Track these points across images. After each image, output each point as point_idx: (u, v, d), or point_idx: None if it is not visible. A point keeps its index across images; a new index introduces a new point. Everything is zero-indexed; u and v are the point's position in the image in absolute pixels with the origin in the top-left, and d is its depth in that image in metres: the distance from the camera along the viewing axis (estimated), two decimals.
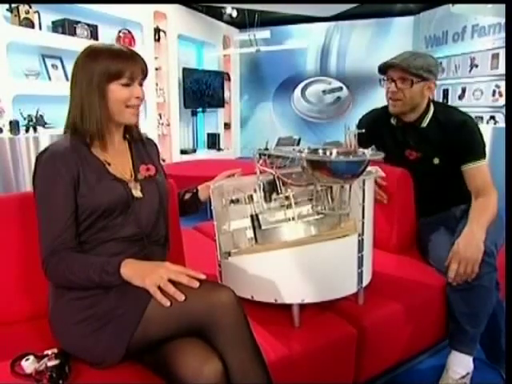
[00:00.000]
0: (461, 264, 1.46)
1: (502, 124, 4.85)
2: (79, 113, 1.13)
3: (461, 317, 1.52)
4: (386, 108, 1.87)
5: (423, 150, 1.76)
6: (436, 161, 1.74)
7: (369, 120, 1.93)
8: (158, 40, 5.54)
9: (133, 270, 1.03)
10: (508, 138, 1.44)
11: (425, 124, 1.76)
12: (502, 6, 4.74)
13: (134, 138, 1.27)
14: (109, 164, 1.17)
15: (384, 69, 1.75)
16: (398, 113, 1.77)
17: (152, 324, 1.01)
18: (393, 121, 1.85)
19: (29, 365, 1.00)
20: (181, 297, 0.99)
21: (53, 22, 4.15)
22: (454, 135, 1.68)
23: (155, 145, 1.38)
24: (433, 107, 1.77)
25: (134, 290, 1.03)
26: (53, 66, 4.17)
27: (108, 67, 1.10)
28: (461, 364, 1.53)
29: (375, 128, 1.85)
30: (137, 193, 1.18)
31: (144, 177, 1.22)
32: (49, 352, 1.04)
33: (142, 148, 1.30)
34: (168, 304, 0.99)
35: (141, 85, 1.17)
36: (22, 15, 3.67)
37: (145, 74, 1.17)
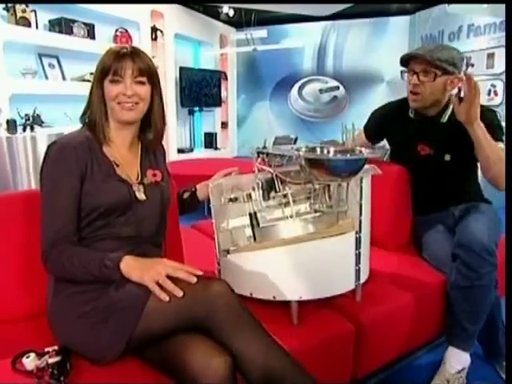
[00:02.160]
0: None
1: None
2: (87, 106, 1.19)
3: (461, 314, 1.52)
4: (404, 100, 1.81)
5: (436, 146, 1.71)
6: (447, 157, 1.70)
7: (381, 114, 1.91)
8: (155, 39, 5.53)
9: (131, 267, 1.05)
10: (508, 137, 1.45)
11: (445, 119, 1.72)
12: (498, 6, 4.77)
13: (147, 143, 1.28)
14: (117, 165, 1.18)
15: (407, 60, 1.69)
16: (418, 108, 1.73)
17: (153, 318, 1.02)
18: (411, 114, 1.80)
19: (30, 362, 1.01)
20: (179, 293, 1.00)
21: (49, 21, 4.13)
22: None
23: (164, 150, 1.40)
24: None
25: (134, 285, 1.04)
26: (50, 65, 4.16)
27: (101, 64, 1.15)
28: (458, 359, 1.55)
29: (388, 121, 1.83)
30: (140, 195, 1.19)
31: (150, 182, 1.24)
32: (49, 349, 1.04)
33: (152, 153, 1.31)
34: (167, 299, 1.00)
35: (140, 83, 1.16)
36: (19, 14, 3.65)
37: (140, 73, 1.15)
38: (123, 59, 1.14)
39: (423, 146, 1.76)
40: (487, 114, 1.62)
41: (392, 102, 1.94)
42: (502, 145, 1.62)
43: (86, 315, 1.06)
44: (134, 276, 1.04)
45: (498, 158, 1.53)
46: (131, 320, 1.02)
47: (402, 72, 1.75)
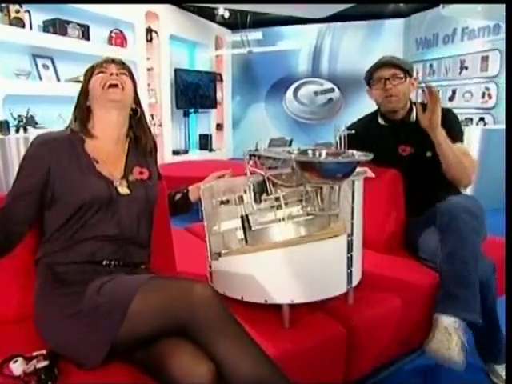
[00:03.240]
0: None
1: (491, 126, 4.91)
2: (74, 111, 1.28)
3: (449, 282, 1.49)
4: (372, 113, 1.94)
5: (416, 144, 1.80)
6: (428, 154, 1.76)
7: (357, 128, 1.91)
8: (150, 40, 5.53)
9: None
10: (508, 138, 1.45)
11: (413, 119, 1.81)
12: (492, 9, 4.79)
13: (138, 136, 1.33)
14: (97, 161, 1.21)
15: (375, 69, 1.81)
16: (394, 108, 1.82)
17: (137, 321, 1.00)
18: (382, 121, 1.89)
19: (17, 367, 0.99)
20: None
21: (44, 22, 4.12)
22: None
23: (155, 147, 1.41)
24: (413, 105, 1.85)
25: (117, 288, 1.04)
26: (44, 65, 4.15)
27: (90, 70, 1.28)
28: (447, 319, 1.47)
29: (364, 134, 1.83)
30: (123, 190, 1.21)
31: (135, 179, 1.25)
32: (37, 353, 1.03)
33: (141, 152, 1.34)
34: None
35: (123, 74, 1.26)
36: (13, 14, 3.64)
37: (122, 66, 1.28)
38: (105, 61, 1.27)
39: (403, 147, 1.83)
40: (449, 117, 1.75)
41: (360, 119, 2.02)
42: (460, 145, 1.76)
43: (72, 317, 1.05)
44: None
45: (457, 160, 1.67)
46: (114, 323, 1.01)
47: (368, 90, 1.89)
